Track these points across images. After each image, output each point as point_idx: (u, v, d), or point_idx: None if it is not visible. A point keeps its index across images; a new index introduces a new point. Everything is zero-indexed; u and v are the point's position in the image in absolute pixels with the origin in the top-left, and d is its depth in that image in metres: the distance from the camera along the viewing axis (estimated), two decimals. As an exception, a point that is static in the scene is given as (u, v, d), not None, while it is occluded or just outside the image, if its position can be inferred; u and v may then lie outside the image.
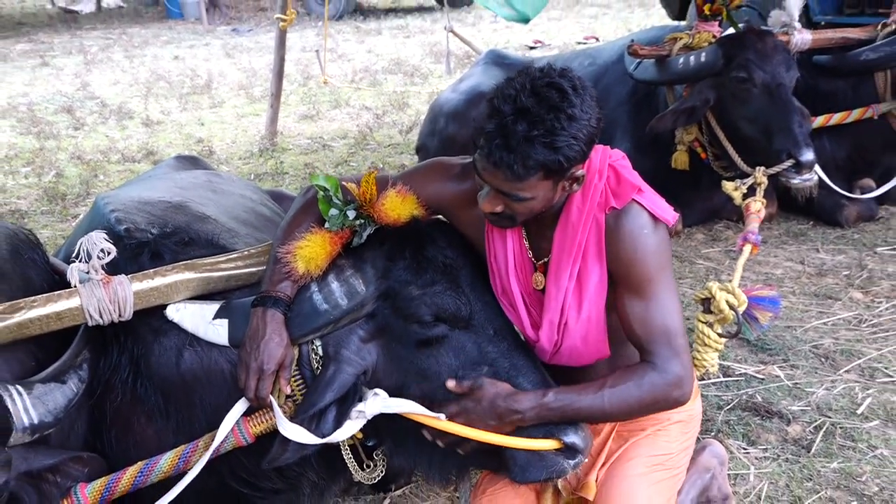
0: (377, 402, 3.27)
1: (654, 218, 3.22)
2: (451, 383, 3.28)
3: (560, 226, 3.30)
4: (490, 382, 3.24)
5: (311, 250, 3.28)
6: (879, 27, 7.41)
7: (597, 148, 3.21)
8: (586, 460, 3.36)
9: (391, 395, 3.32)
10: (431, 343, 3.34)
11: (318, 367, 3.36)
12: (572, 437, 3.24)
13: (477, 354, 3.36)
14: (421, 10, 26.74)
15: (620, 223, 3.20)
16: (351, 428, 3.28)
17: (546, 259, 3.39)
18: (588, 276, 3.29)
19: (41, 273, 3.60)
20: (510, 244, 3.43)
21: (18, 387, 2.95)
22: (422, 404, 3.27)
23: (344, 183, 3.46)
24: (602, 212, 3.22)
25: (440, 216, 3.62)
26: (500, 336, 3.42)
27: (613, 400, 3.17)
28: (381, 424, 3.37)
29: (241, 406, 3.34)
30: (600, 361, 3.48)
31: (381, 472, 3.69)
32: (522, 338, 3.53)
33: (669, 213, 3.26)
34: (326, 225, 3.37)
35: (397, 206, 3.36)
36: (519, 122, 2.90)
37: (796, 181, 6.50)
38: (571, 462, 3.27)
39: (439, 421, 3.24)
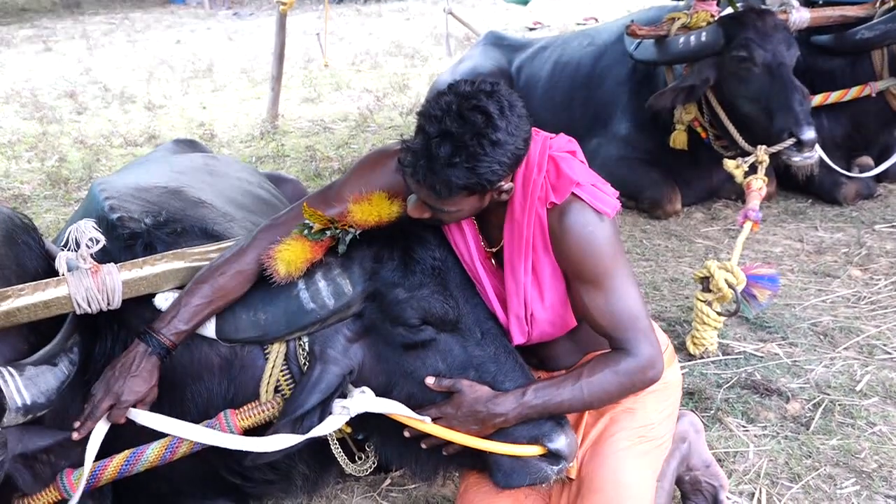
0: (363, 401, 3.29)
1: (597, 211, 3.19)
2: (430, 380, 3.32)
3: (507, 222, 3.30)
4: (469, 386, 3.28)
5: (291, 254, 3.25)
6: (878, 4, 7.41)
7: (535, 139, 3.18)
8: (571, 465, 3.40)
9: (378, 394, 3.34)
10: (418, 346, 3.36)
11: (304, 364, 3.39)
12: (557, 444, 3.29)
13: (464, 358, 3.38)
14: (421, -9, 26.68)
15: (564, 223, 3.18)
16: (334, 423, 3.29)
17: (498, 247, 3.41)
18: (542, 268, 3.30)
19: (36, 258, 3.59)
20: (467, 232, 3.43)
21: (10, 368, 2.97)
22: (407, 405, 3.30)
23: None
24: (543, 206, 3.20)
25: None
26: (488, 339, 3.43)
27: (593, 389, 3.22)
28: (368, 420, 3.38)
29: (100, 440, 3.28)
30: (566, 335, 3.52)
31: (373, 464, 3.73)
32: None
33: (611, 205, 3.22)
34: (305, 232, 3.31)
35: (366, 211, 3.31)
36: (442, 146, 2.90)
37: (797, 159, 6.52)
38: (555, 468, 3.34)
39: (424, 423, 3.27)
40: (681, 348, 5.36)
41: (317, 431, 3.26)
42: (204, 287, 3.31)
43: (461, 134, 2.89)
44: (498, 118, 2.91)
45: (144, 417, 3.28)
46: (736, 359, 5.38)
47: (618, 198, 3.31)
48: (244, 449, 3.26)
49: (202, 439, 3.31)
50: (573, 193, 3.17)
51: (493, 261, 3.47)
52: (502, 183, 3.06)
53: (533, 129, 3.11)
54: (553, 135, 3.37)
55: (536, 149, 3.21)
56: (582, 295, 3.26)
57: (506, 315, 3.44)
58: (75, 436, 3.18)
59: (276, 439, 3.23)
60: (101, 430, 3.23)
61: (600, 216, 3.18)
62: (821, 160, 6.94)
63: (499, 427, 3.28)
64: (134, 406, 3.25)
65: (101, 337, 3.52)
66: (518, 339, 3.44)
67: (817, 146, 6.62)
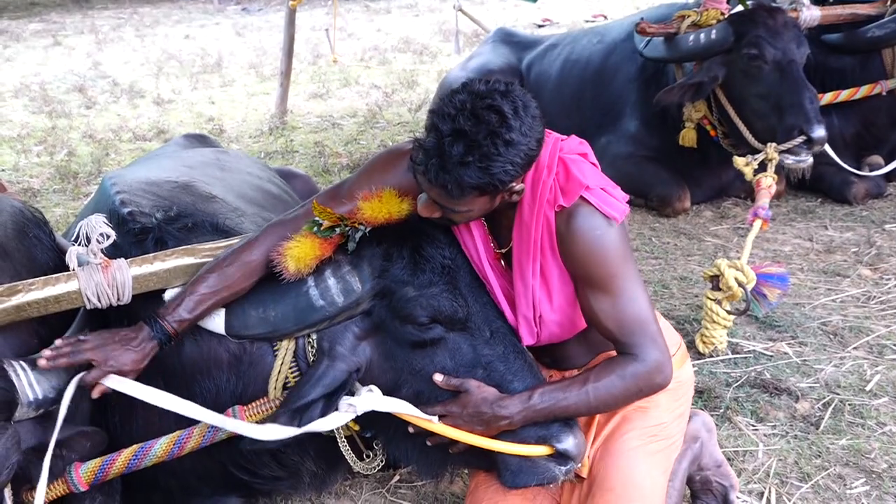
0: (370, 399, 3.28)
1: (606, 216, 3.18)
2: (438, 377, 3.31)
3: (516, 224, 3.29)
4: (476, 386, 3.27)
5: (300, 251, 3.24)
6: (888, 3, 7.40)
7: (546, 140, 3.15)
8: (579, 465, 3.39)
9: (385, 392, 3.33)
10: (426, 345, 3.35)
11: (313, 360, 3.38)
12: (565, 444, 3.28)
13: (472, 357, 3.37)
14: (430, -12, 26.65)
15: (571, 226, 3.18)
16: (337, 419, 3.28)
17: (507, 248, 3.40)
18: (550, 270, 3.29)
19: (46, 252, 3.60)
20: (476, 233, 3.42)
21: (22, 363, 2.99)
22: (414, 404, 3.30)
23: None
24: (551, 209, 3.19)
25: None
26: (497, 339, 3.42)
27: (599, 394, 3.21)
28: (375, 418, 3.38)
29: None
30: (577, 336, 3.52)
31: (381, 462, 3.73)
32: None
33: (619, 209, 3.21)
34: (314, 229, 3.30)
35: (376, 209, 3.30)
36: (455, 145, 2.89)
37: (790, 161, 6.48)
38: (563, 468, 3.33)
39: (431, 423, 3.27)
40: (690, 347, 5.33)
41: (316, 426, 3.24)
42: (210, 277, 3.29)
43: (475, 133, 2.87)
44: (512, 118, 2.89)
45: (122, 384, 3.20)
46: (745, 358, 5.37)
47: (627, 199, 3.30)
48: (238, 432, 3.25)
49: (187, 412, 3.27)
50: (582, 197, 3.16)
51: (502, 262, 3.46)
52: (514, 184, 3.04)
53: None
54: (564, 136, 3.35)
55: (547, 151, 3.19)
56: (589, 299, 3.25)
57: (514, 316, 3.44)
58: (41, 363, 3.05)
59: (271, 428, 3.20)
60: (72, 392, 3.12)
61: (609, 220, 3.17)
62: (830, 159, 6.95)
63: (504, 429, 3.27)
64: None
65: (111, 332, 3.51)
66: (527, 339, 3.44)
67: (826, 145, 6.61)
